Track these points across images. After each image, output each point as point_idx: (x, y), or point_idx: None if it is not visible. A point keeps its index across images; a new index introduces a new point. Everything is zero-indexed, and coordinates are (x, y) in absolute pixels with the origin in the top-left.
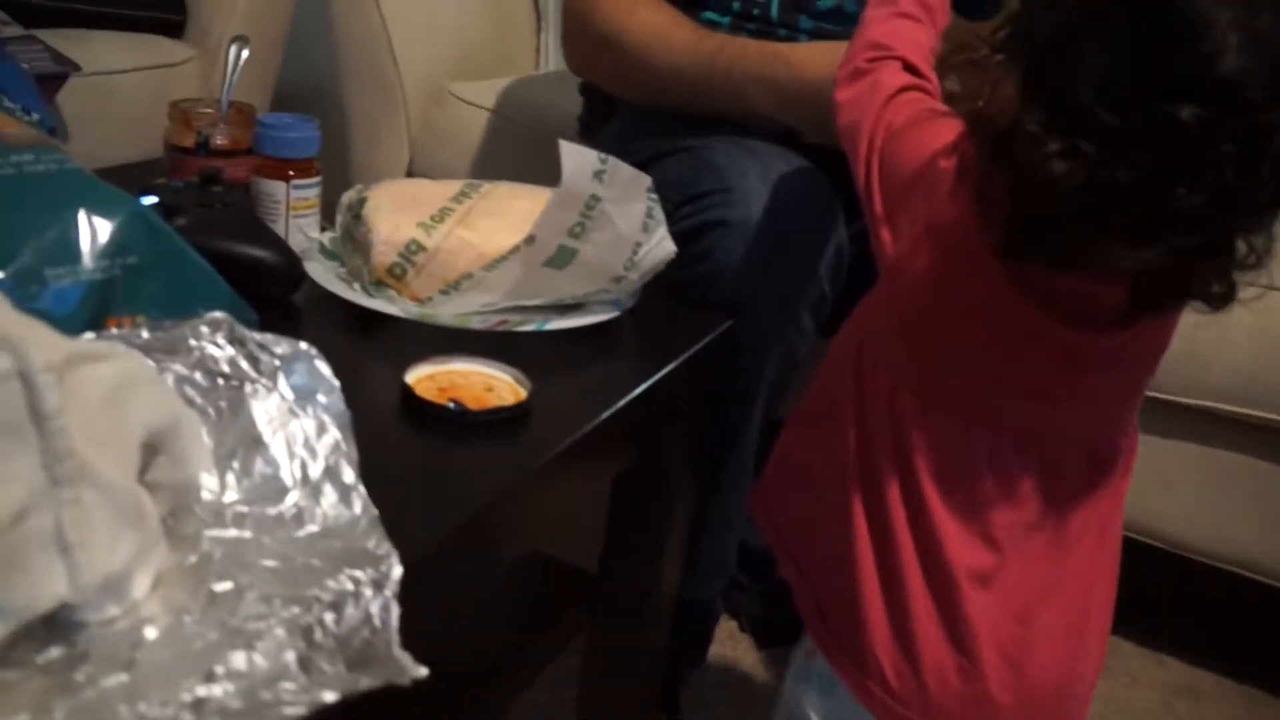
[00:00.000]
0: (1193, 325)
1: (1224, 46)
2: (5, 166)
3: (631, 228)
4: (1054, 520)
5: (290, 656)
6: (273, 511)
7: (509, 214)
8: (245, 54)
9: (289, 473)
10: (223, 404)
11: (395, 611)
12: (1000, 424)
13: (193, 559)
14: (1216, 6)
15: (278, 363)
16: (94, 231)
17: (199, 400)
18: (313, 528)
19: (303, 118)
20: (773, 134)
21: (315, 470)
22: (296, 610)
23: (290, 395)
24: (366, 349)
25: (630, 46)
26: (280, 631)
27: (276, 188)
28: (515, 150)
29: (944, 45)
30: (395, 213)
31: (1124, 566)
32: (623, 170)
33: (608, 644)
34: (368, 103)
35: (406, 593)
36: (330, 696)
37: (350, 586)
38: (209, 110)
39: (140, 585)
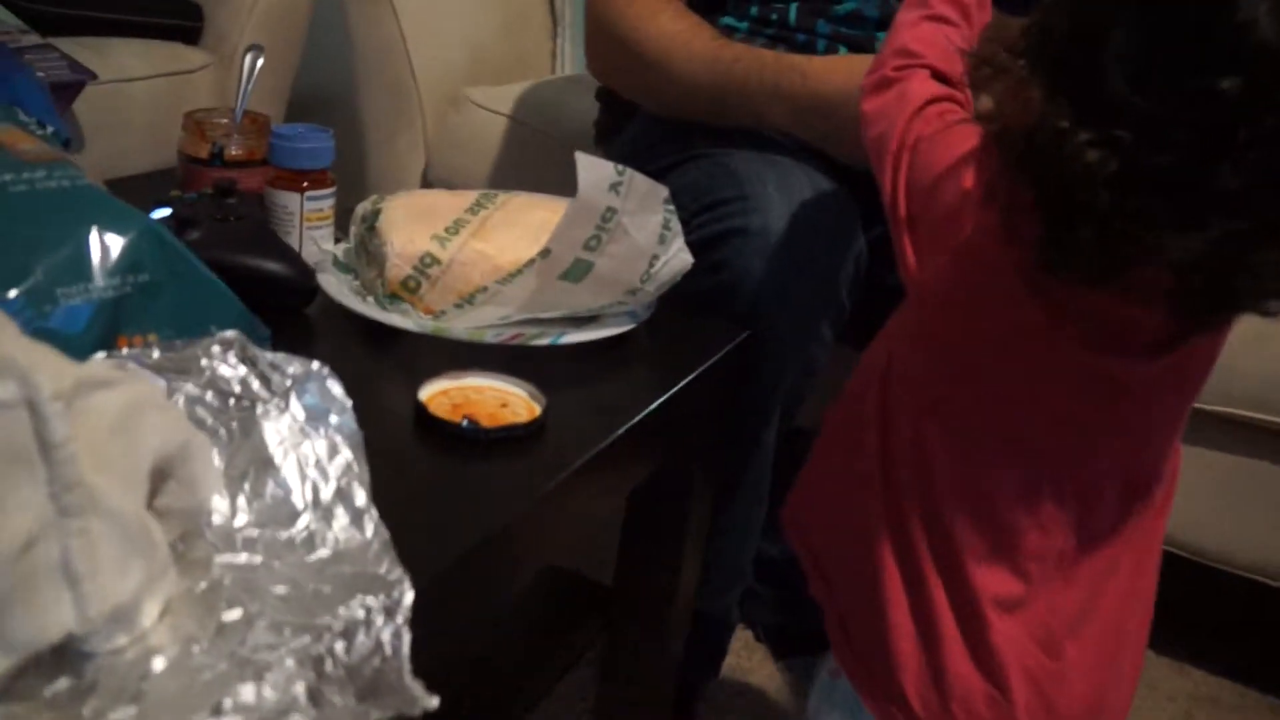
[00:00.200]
0: None
1: (1257, 14)
2: (19, 183)
3: (648, 240)
4: (1087, 550)
5: (300, 688)
6: (284, 535)
7: (525, 225)
8: (260, 62)
9: (300, 495)
10: (234, 425)
11: (407, 639)
12: (1031, 453)
13: (203, 585)
14: None
15: (290, 382)
16: (106, 249)
17: (210, 421)
18: (324, 552)
19: (317, 128)
20: (791, 147)
21: (327, 492)
22: (307, 639)
23: (302, 415)
24: (380, 364)
25: (649, 54)
26: (290, 662)
27: (290, 199)
28: (532, 156)
29: (970, 60)
30: (409, 225)
31: None
32: (640, 182)
33: (623, 654)
34: (384, 109)
35: (419, 613)
36: None
37: (361, 614)
38: (223, 120)
39: (149, 614)
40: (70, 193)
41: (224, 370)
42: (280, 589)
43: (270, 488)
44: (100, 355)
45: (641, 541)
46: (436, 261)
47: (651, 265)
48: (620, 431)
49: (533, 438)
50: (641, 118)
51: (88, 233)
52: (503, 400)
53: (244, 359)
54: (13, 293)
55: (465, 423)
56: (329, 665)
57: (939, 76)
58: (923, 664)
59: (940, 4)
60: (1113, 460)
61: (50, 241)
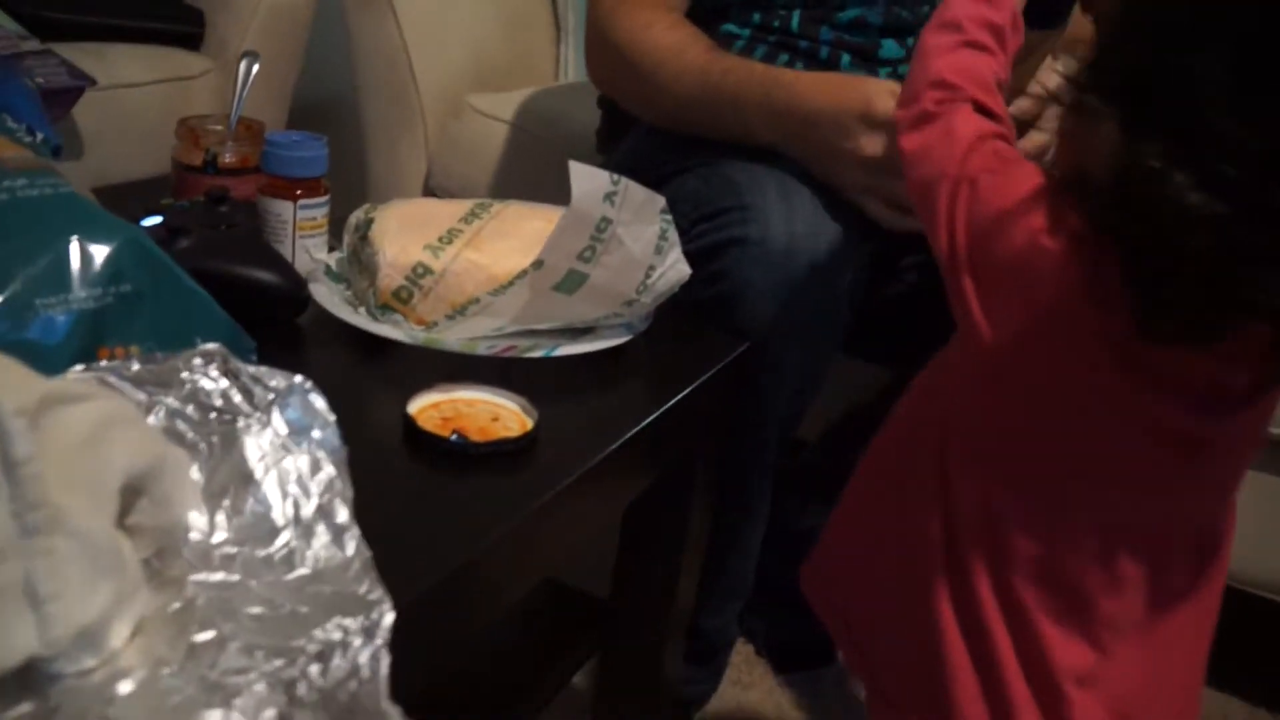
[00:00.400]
0: None
1: None
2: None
3: (644, 251)
4: (1156, 614)
5: (269, 714)
6: (262, 553)
7: (520, 235)
8: (256, 69)
9: (281, 512)
10: (215, 439)
11: (385, 661)
12: (1108, 520)
13: (176, 605)
14: None
15: (272, 396)
16: (87, 259)
17: (190, 435)
18: (303, 570)
19: (311, 135)
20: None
21: (308, 509)
22: (280, 663)
23: (284, 430)
24: (370, 376)
25: (644, 65)
26: (261, 687)
27: (283, 207)
28: (534, 163)
29: (1029, 97)
30: (402, 234)
31: None
32: (635, 191)
33: (620, 669)
34: (385, 115)
35: (403, 633)
36: None
37: (338, 636)
38: (218, 127)
39: (119, 635)
40: (52, 201)
41: (205, 383)
42: (256, 609)
43: (250, 504)
44: (78, 368)
45: (639, 555)
46: (429, 271)
47: (648, 276)
48: (614, 446)
49: (523, 453)
50: (642, 126)
51: (68, 242)
52: (494, 414)
53: (225, 372)
54: None
55: (454, 437)
56: (302, 689)
57: (981, 110)
58: None
59: (975, 29)
60: (1186, 518)
61: (29, 251)
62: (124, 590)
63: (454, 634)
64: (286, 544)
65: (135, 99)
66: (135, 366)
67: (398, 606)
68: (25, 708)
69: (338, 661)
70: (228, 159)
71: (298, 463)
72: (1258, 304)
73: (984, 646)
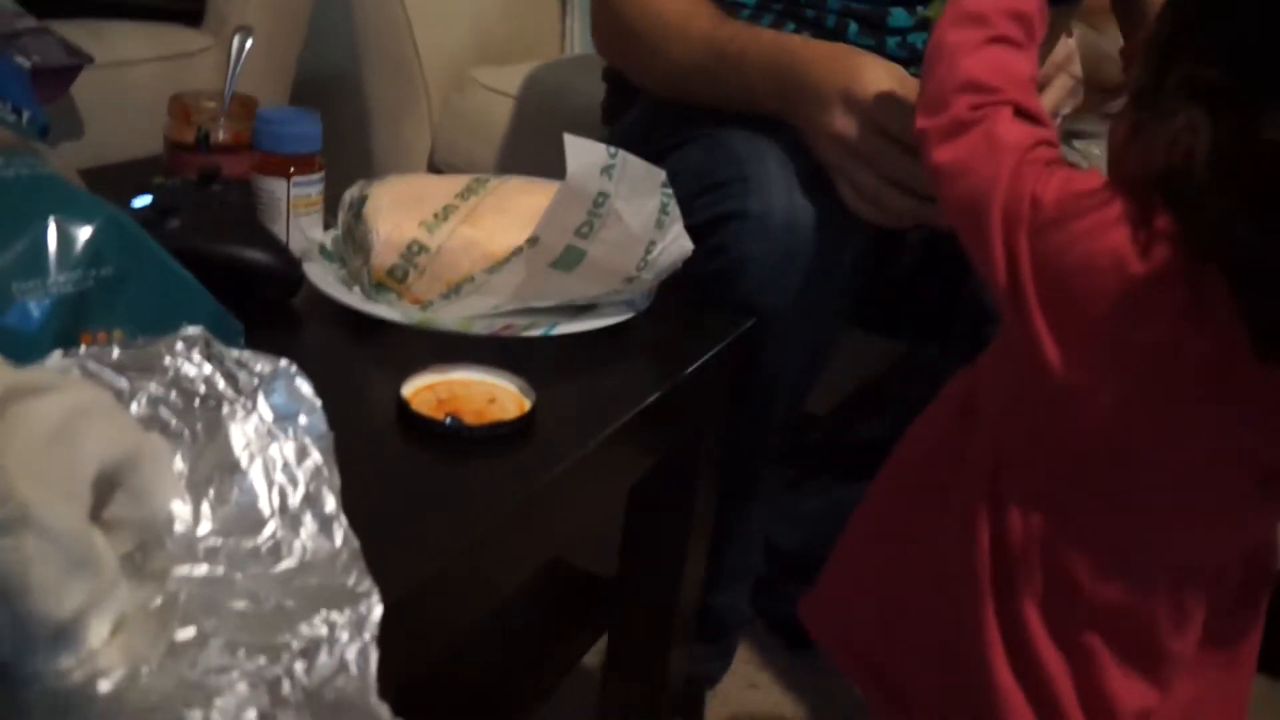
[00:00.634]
0: None
1: None
2: None
3: (644, 225)
4: (1213, 646)
5: (251, 715)
6: (248, 544)
7: (517, 210)
8: (249, 44)
9: (267, 501)
10: (199, 426)
11: (374, 656)
12: (1176, 557)
13: (158, 601)
14: None
15: (257, 381)
16: (65, 241)
17: (174, 422)
18: (289, 562)
19: (304, 110)
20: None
21: (295, 498)
22: (263, 661)
23: (270, 416)
24: (364, 357)
25: (651, 34)
26: (242, 686)
27: (277, 185)
28: (538, 137)
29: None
30: (396, 211)
31: None
32: (634, 165)
33: (629, 649)
34: (388, 90)
35: (398, 622)
36: None
37: (324, 631)
38: (211, 104)
39: (97, 633)
40: (29, 182)
41: (188, 369)
42: (240, 604)
43: (235, 494)
44: (57, 354)
45: (645, 535)
46: (424, 249)
47: (648, 252)
48: (615, 428)
49: (520, 435)
50: (646, 99)
51: (46, 224)
52: (491, 395)
53: (209, 356)
54: None
55: (448, 420)
56: (285, 688)
57: (1022, 113)
58: None
59: (1003, 22)
60: (1241, 548)
61: (4, 234)
62: (100, 587)
63: (453, 622)
64: (273, 535)
65: (134, 77)
66: (116, 352)
67: (390, 597)
68: None
69: (324, 658)
70: (221, 136)
71: (284, 450)
72: None
73: (1042, 687)
